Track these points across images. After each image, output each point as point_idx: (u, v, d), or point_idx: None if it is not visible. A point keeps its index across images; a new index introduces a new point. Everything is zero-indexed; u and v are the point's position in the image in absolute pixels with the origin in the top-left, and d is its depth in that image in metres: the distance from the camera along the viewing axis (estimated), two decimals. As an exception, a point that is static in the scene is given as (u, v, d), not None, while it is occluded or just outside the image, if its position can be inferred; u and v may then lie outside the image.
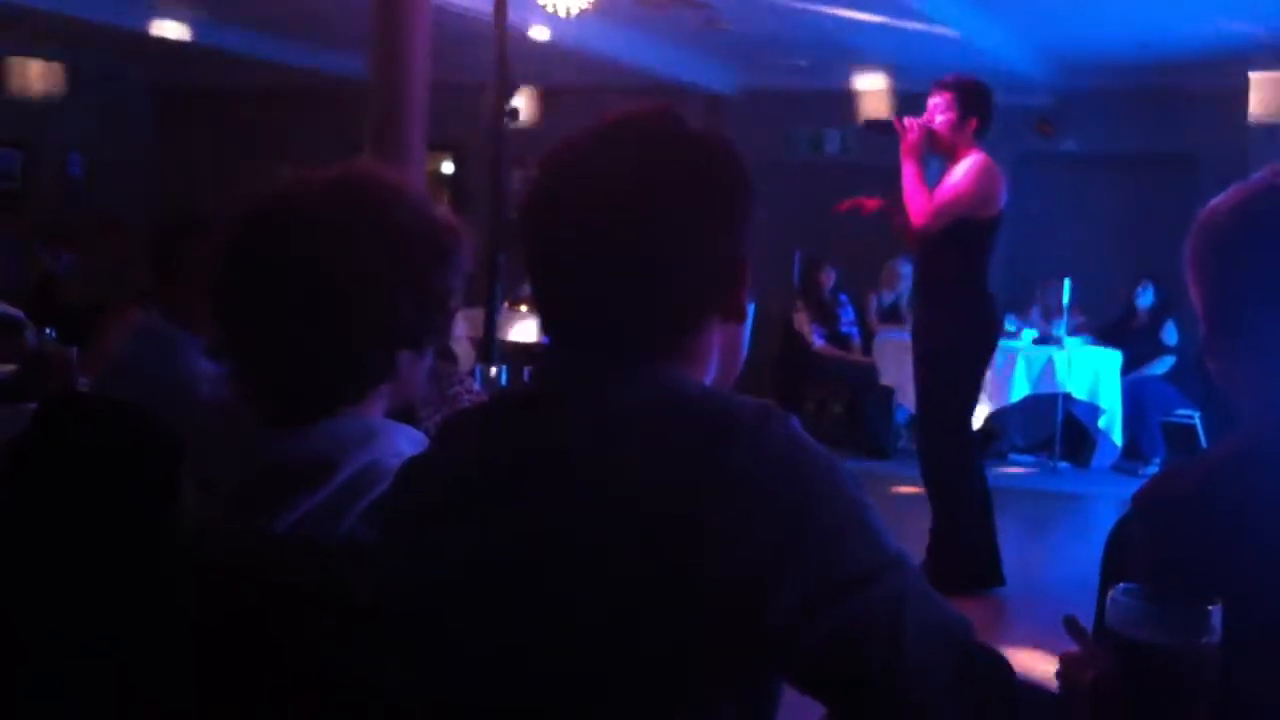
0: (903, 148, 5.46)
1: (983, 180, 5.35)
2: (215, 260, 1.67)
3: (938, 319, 5.55)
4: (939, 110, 5.42)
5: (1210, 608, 1.23)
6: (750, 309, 1.38)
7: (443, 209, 1.69)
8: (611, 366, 1.29)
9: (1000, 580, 5.56)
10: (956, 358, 5.49)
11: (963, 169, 5.37)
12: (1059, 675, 1.33)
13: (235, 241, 1.66)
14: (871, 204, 5.68)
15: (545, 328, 1.36)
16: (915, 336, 5.78)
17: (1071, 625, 1.33)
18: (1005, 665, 1.26)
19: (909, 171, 5.43)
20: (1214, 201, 1.65)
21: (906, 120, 5.47)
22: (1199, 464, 1.67)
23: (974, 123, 5.39)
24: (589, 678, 1.21)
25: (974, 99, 5.42)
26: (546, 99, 8.02)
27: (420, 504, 1.34)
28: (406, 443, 1.56)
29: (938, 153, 5.52)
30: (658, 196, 1.30)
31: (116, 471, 2.16)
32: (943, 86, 5.46)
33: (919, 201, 5.39)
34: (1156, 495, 1.56)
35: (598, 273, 1.30)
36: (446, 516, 1.30)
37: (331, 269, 1.56)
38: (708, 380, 1.35)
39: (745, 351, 1.42)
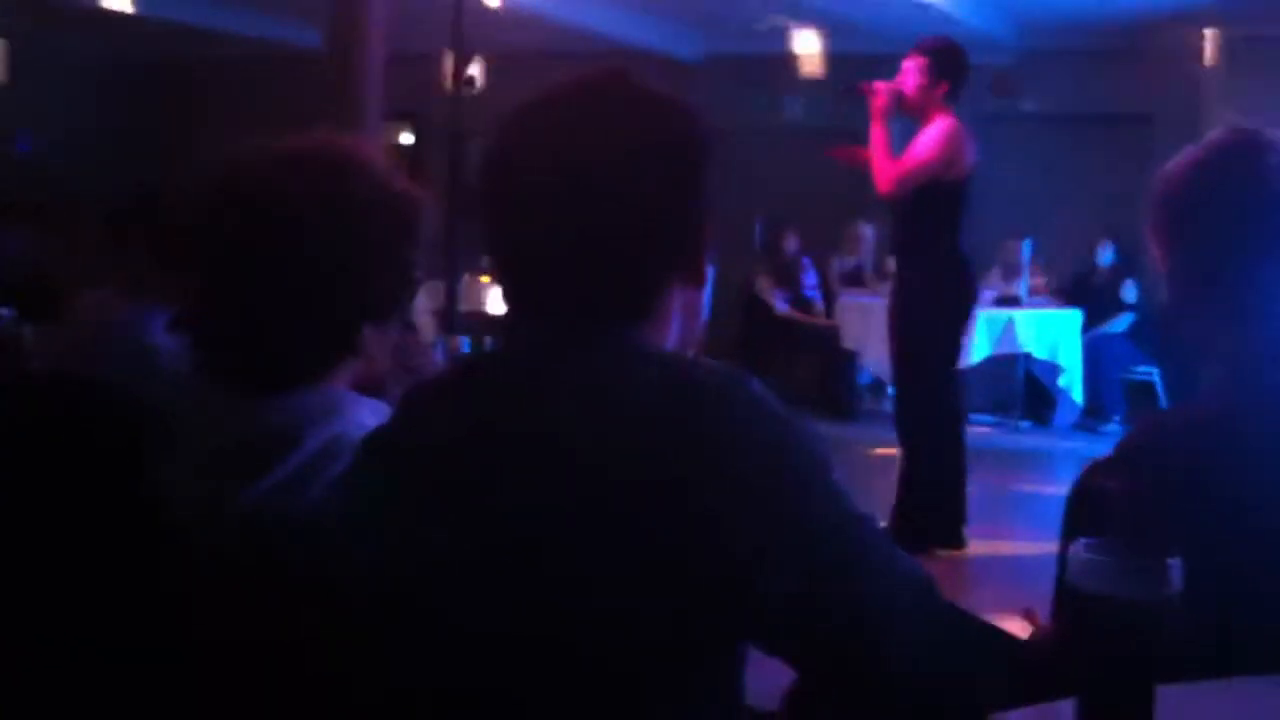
0: (871, 111, 5.47)
1: (949, 144, 5.34)
2: (176, 233, 1.66)
3: (913, 281, 5.57)
4: (911, 74, 5.41)
5: (1170, 561, 1.24)
6: (710, 272, 1.38)
7: (404, 180, 1.68)
8: (575, 334, 1.29)
9: (961, 543, 5.59)
10: (933, 318, 5.48)
11: (930, 134, 5.37)
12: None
13: (197, 213, 1.65)
14: (862, 155, 5.65)
15: (506, 297, 1.35)
16: (891, 297, 5.80)
17: (1029, 616, 1.34)
18: (971, 619, 1.28)
19: (876, 136, 5.43)
20: (1170, 164, 1.66)
21: (876, 84, 5.48)
22: (1169, 419, 1.68)
23: (944, 86, 5.37)
24: (559, 647, 1.21)
25: (947, 63, 5.41)
26: (503, 66, 7.97)
27: (386, 479, 1.34)
28: (370, 415, 1.55)
29: (907, 115, 5.51)
30: (616, 161, 1.29)
31: (77, 448, 2.14)
32: (918, 50, 5.45)
33: (884, 167, 5.40)
34: (1129, 450, 1.57)
35: (557, 240, 1.29)
36: (415, 492, 1.30)
37: (293, 240, 1.56)
38: (669, 344, 1.35)
39: (705, 315, 1.42)
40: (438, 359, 2.37)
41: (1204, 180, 1.63)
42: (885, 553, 1.23)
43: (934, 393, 5.54)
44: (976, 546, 5.63)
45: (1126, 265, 9.20)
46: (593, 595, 1.19)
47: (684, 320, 1.37)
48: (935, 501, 5.56)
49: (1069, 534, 1.53)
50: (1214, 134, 1.66)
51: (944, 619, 1.26)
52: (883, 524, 5.51)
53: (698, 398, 1.21)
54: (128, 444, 1.69)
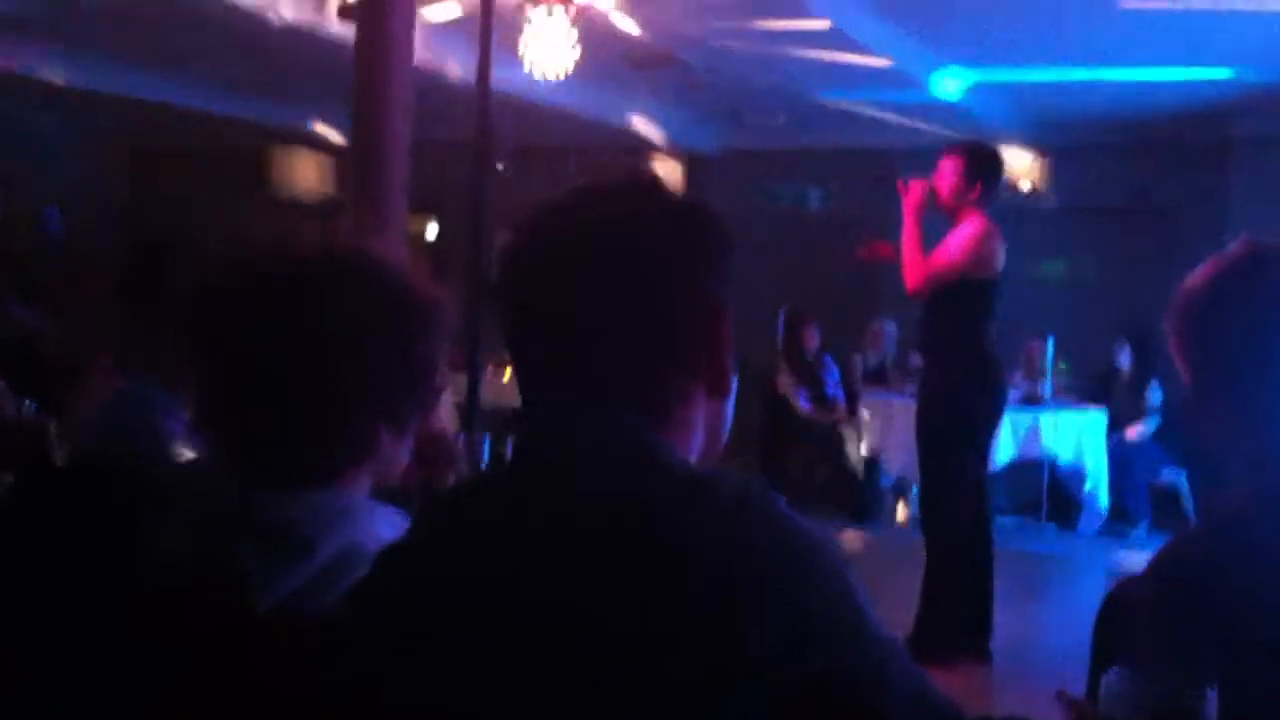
0: (904, 208, 5.49)
1: (980, 245, 5.36)
2: (193, 323, 1.65)
3: (940, 380, 5.54)
4: (946, 174, 5.44)
5: (1208, 691, 1.20)
6: (733, 382, 1.36)
7: (426, 278, 1.66)
8: (593, 443, 1.26)
9: (986, 655, 5.48)
10: (960, 419, 5.46)
11: (961, 234, 5.40)
12: None
13: (214, 306, 1.63)
14: (888, 251, 5.66)
15: (522, 391, 1.33)
16: (918, 396, 5.77)
17: (1063, 698, 1.30)
18: None
19: (909, 233, 5.46)
20: (1191, 277, 1.68)
21: (911, 182, 5.51)
22: (1200, 535, 1.66)
23: (979, 188, 5.41)
24: None
25: (982, 165, 5.46)
26: (525, 157, 8.04)
27: (401, 593, 1.30)
28: (387, 527, 1.52)
29: (941, 212, 5.53)
30: (637, 260, 1.28)
31: (93, 543, 2.12)
32: (954, 151, 5.50)
33: (915, 265, 5.40)
34: (1158, 572, 1.54)
35: (576, 339, 1.28)
36: (428, 609, 1.27)
37: (313, 338, 1.54)
38: (692, 454, 1.32)
39: (729, 426, 1.39)
40: (459, 457, 2.33)
41: (1223, 294, 1.66)
42: (906, 674, 1.19)
43: (961, 496, 5.48)
44: (1000, 655, 5.52)
45: (1149, 366, 9.15)
46: (602, 704, 1.15)
47: (708, 431, 1.35)
48: (960, 611, 5.46)
49: (1100, 655, 1.50)
50: (1233, 247, 1.68)
51: None
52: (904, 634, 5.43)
53: (715, 510, 1.18)
54: (137, 537, 1.67)
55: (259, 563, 1.47)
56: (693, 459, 1.32)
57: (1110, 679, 1.25)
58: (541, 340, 1.31)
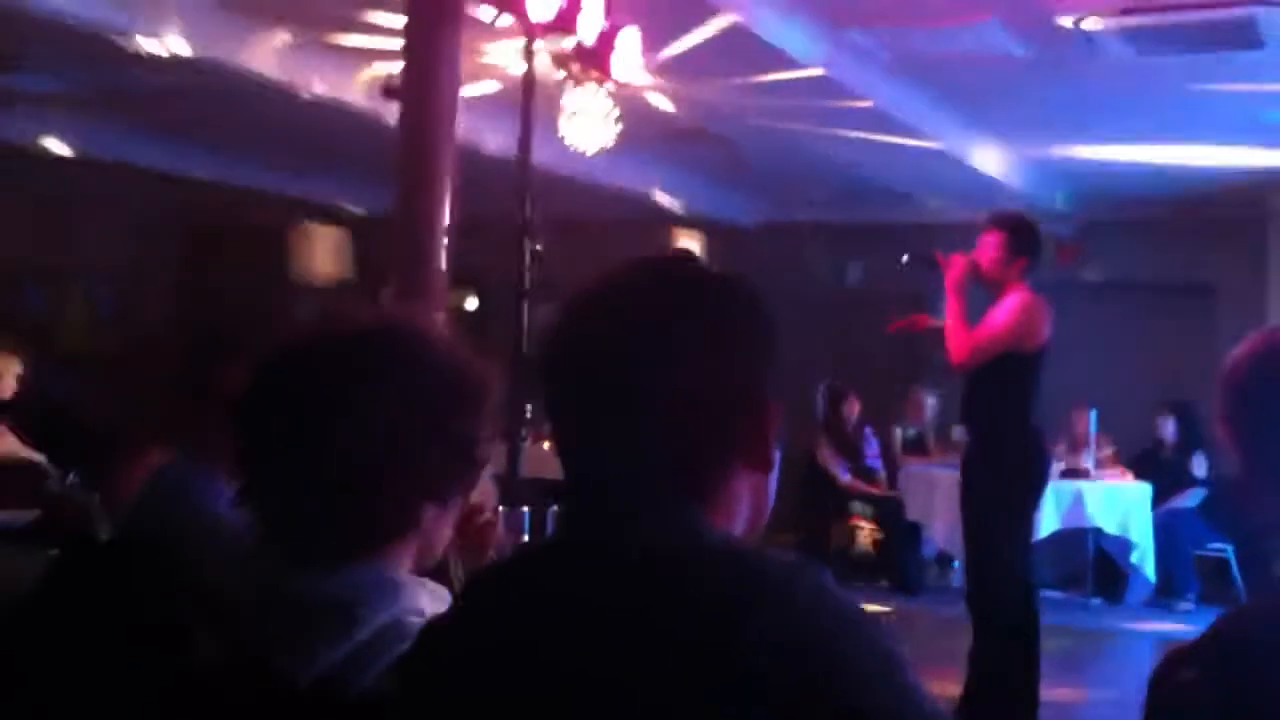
0: (947, 283, 5.49)
1: (1024, 318, 5.36)
2: (238, 398, 1.66)
3: (984, 452, 5.52)
4: (989, 248, 5.45)
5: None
6: (777, 457, 1.35)
7: (472, 354, 1.67)
8: (634, 516, 1.26)
9: None
10: (1004, 491, 5.42)
11: (1005, 307, 5.40)
12: None
13: (259, 382, 1.64)
14: (923, 321, 5.67)
15: (564, 467, 1.33)
16: (961, 469, 5.75)
17: None
18: None
19: (952, 307, 5.46)
20: (1236, 352, 1.68)
21: (953, 256, 5.51)
22: (1253, 611, 1.64)
23: (1022, 261, 5.42)
24: None
25: (1024, 239, 5.47)
26: (566, 230, 8.08)
27: (445, 669, 1.30)
28: (430, 602, 1.52)
29: (983, 286, 5.53)
30: (680, 340, 1.28)
31: (134, 619, 2.13)
32: (994, 224, 5.51)
33: (960, 338, 5.40)
34: (1213, 644, 1.52)
35: (619, 418, 1.28)
36: (472, 685, 1.26)
37: (357, 416, 1.54)
38: (735, 529, 1.31)
39: (773, 499, 1.39)
40: (500, 532, 2.32)
41: (1269, 367, 1.64)
42: None
43: (1007, 568, 5.42)
44: (1048, 730, 5.44)
45: (1193, 438, 9.06)
46: None
47: (751, 506, 1.34)
48: (1007, 684, 5.39)
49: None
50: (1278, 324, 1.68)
51: None
52: (951, 706, 5.36)
53: (761, 588, 1.17)
54: (180, 618, 1.67)
55: (300, 639, 1.47)
56: (736, 532, 1.31)
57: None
58: (584, 418, 1.31)
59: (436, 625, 1.36)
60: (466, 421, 1.60)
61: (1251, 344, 1.68)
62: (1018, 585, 5.45)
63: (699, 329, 1.29)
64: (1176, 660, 1.54)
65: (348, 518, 1.55)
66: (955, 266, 5.47)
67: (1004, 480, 5.40)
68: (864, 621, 1.19)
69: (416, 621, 1.39)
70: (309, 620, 1.49)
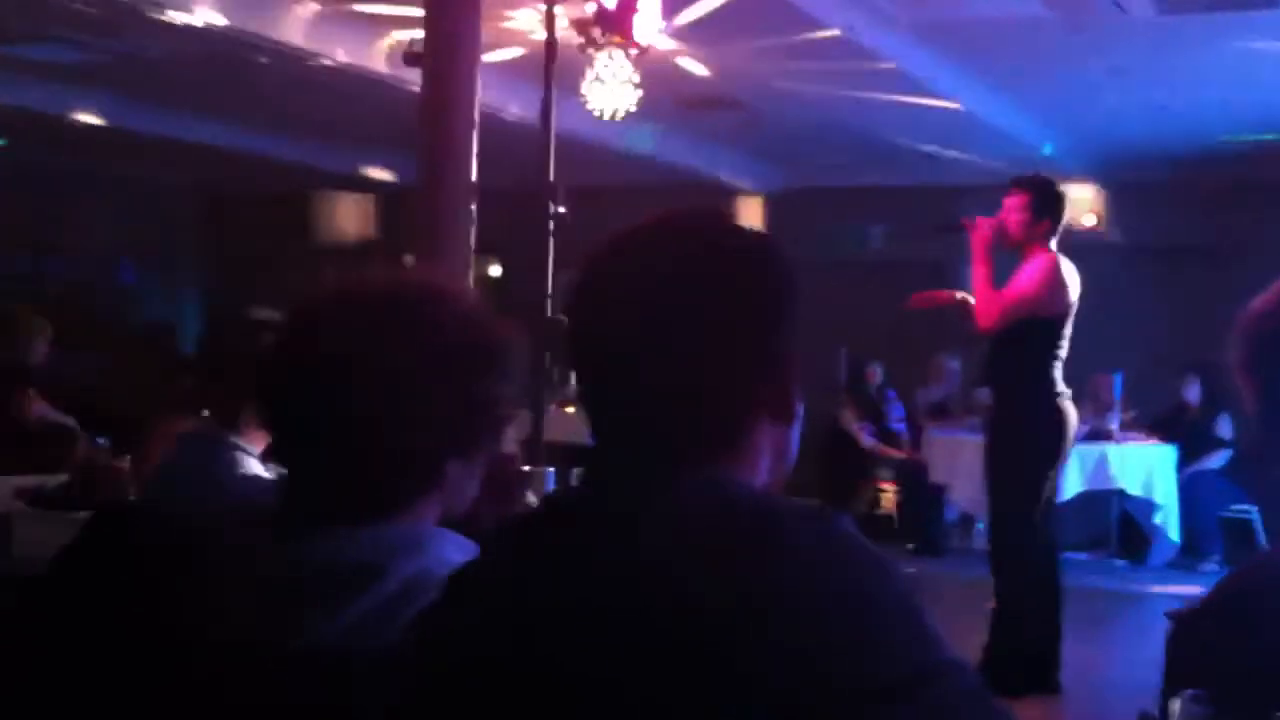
0: (973, 246, 5.48)
1: (1050, 280, 5.36)
2: (263, 363, 1.68)
3: (1009, 416, 5.52)
4: (1013, 209, 5.43)
5: (1276, 714, 1.19)
6: (799, 410, 1.37)
7: (495, 315, 1.69)
8: (658, 470, 1.27)
9: (1055, 688, 5.42)
10: (1029, 454, 5.43)
11: (1031, 269, 5.39)
12: None
13: (284, 345, 1.66)
14: (944, 297, 5.67)
15: (591, 429, 1.34)
16: (986, 432, 5.75)
17: None
18: None
19: (979, 271, 5.45)
20: (1256, 302, 1.63)
21: (978, 220, 5.50)
22: (1268, 564, 1.63)
23: (1046, 223, 5.40)
24: None
25: (1048, 200, 5.45)
26: (588, 198, 8.09)
27: (466, 619, 1.32)
28: (457, 552, 1.54)
29: (1008, 249, 5.51)
30: (701, 295, 1.29)
31: (158, 586, 2.15)
32: (1019, 186, 5.49)
33: (989, 301, 5.39)
34: (1228, 596, 1.52)
35: (642, 374, 1.29)
36: (498, 636, 1.28)
37: (380, 374, 1.56)
38: (758, 482, 1.33)
39: (795, 453, 1.40)
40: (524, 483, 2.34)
41: None
42: (977, 704, 1.18)
43: (1029, 531, 5.43)
44: (1069, 690, 5.46)
45: (1219, 400, 9.03)
46: None
47: (773, 458, 1.35)
48: (1029, 644, 5.41)
49: (1169, 682, 1.48)
50: None
51: None
52: (976, 658, 5.38)
53: (781, 534, 1.18)
54: (208, 582, 1.69)
55: (327, 598, 1.49)
56: (760, 484, 1.33)
57: (1181, 704, 1.24)
58: (607, 376, 1.32)
59: (459, 577, 1.37)
60: (487, 379, 1.62)
61: (1271, 293, 1.64)
62: (1040, 547, 5.47)
63: (718, 285, 1.30)
64: (1192, 616, 1.55)
65: (371, 476, 1.57)
66: (980, 230, 5.46)
67: (1028, 442, 5.41)
68: (887, 567, 1.20)
69: (443, 571, 1.41)
70: (335, 579, 1.50)
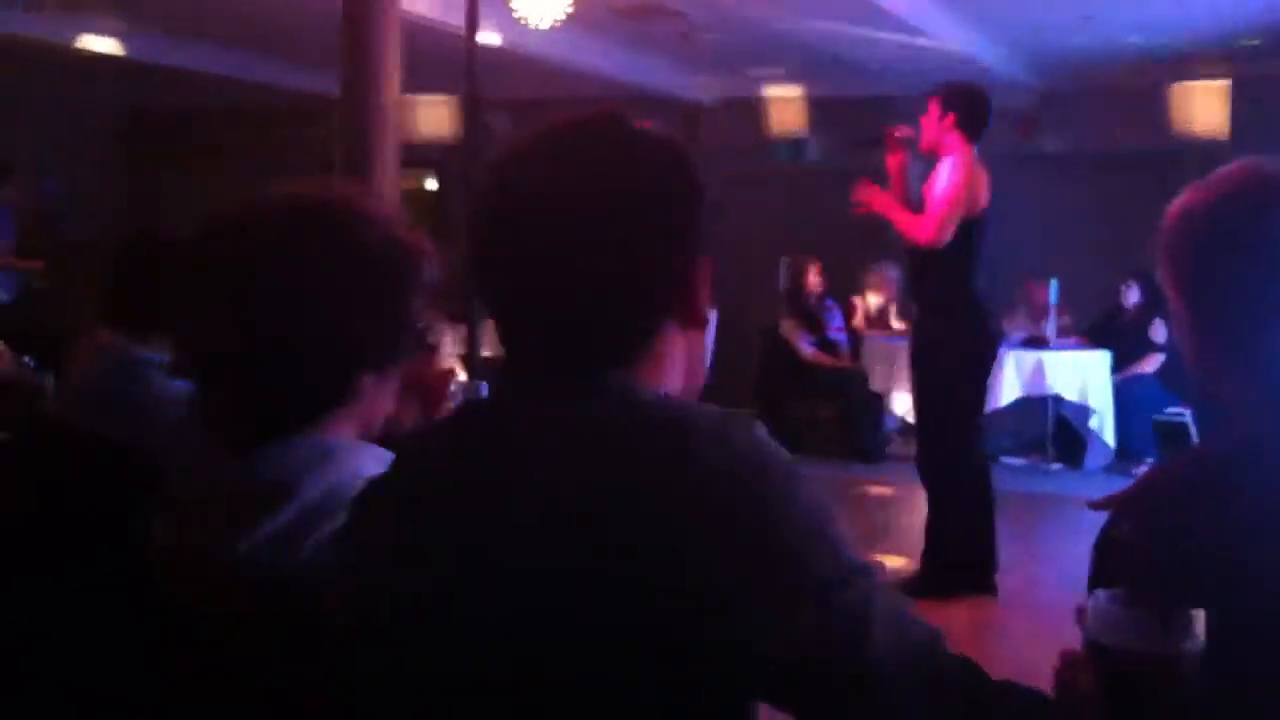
0: (888, 164, 5.49)
1: (967, 177, 5.28)
2: (172, 279, 1.65)
3: (930, 326, 5.51)
4: (929, 117, 5.39)
5: (1193, 612, 1.19)
6: (713, 315, 1.35)
7: (407, 227, 1.65)
8: (566, 379, 1.26)
9: (991, 589, 5.50)
10: (951, 364, 5.42)
11: (946, 171, 5.33)
12: (1056, 677, 1.29)
13: (190, 261, 1.63)
14: (880, 198, 5.53)
15: (500, 340, 1.32)
16: (910, 343, 5.75)
17: (1081, 616, 1.28)
18: (978, 674, 1.22)
19: (894, 189, 5.44)
20: (1180, 201, 1.60)
21: (897, 127, 5.48)
22: (1186, 462, 1.64)
23: (951, 116, 5.33)
24: (558, 709, 1.17)
25: (954, 96, 5.38)
26: (524, 111, 8.02)
27: (380, 531, 1.31)
28: (372, 463, 1.52)
29: (930, 157, 5.48)
30: (603, 203, 1.27)
31: (83, 499, 2.13)
32: (933, 91, 5.44)
33: (915, 218, 5.34)
34: (1143, 494, 1.53)
35: (544, 283, 1.27)
36: (408, 545, 1.27)
37: (285, 289, 1.53)
38: (669, 388, 1.31)
39: (710, 358, 1.38)
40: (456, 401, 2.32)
41: (1213, 219, 1.56)
42: (887, 605, 1.18)
43: (957, 438, 5.47)
44: (1006, 592, 5.54)
45: (1154, 305, 9.12)
46: (587, 644, 1.15)
47: (687, 363, 1.34)
48: (963, 548, 5.48)
49: (1092, 582, 1.49)
50: (1227, 169, 1.59)
51: (949, 675, 1.20)
52: (912, 569, 5.45)
53: (688, 440, 1.17)
54: (119, 495, 1.67)
55: (241, 517, 1.47)
56: (673, 390, 1.31)
57: (1097, 602, 1.24)
58: (514, 286, 1.30)
59: (372, 485, 1.36)
60: (397, 292, 1.59)
61: (1196, 193, 1.58)
62: (969, 453, 5.50)
63: (623, 192, 1.28)
64: (1113, 517, 1.55)
65: (283, 397, 1.55)
66: (896, 148, 5.44)
67: (950, 354, 5.39)
68: (795, 474, 1.20)
69: (356, 483, 1.39)
70: (248, 496, 1.49)
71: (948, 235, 5.27)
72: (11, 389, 3.84)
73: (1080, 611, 1.27)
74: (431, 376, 2.03)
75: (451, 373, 2.21)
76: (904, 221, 5.36)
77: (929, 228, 5.28)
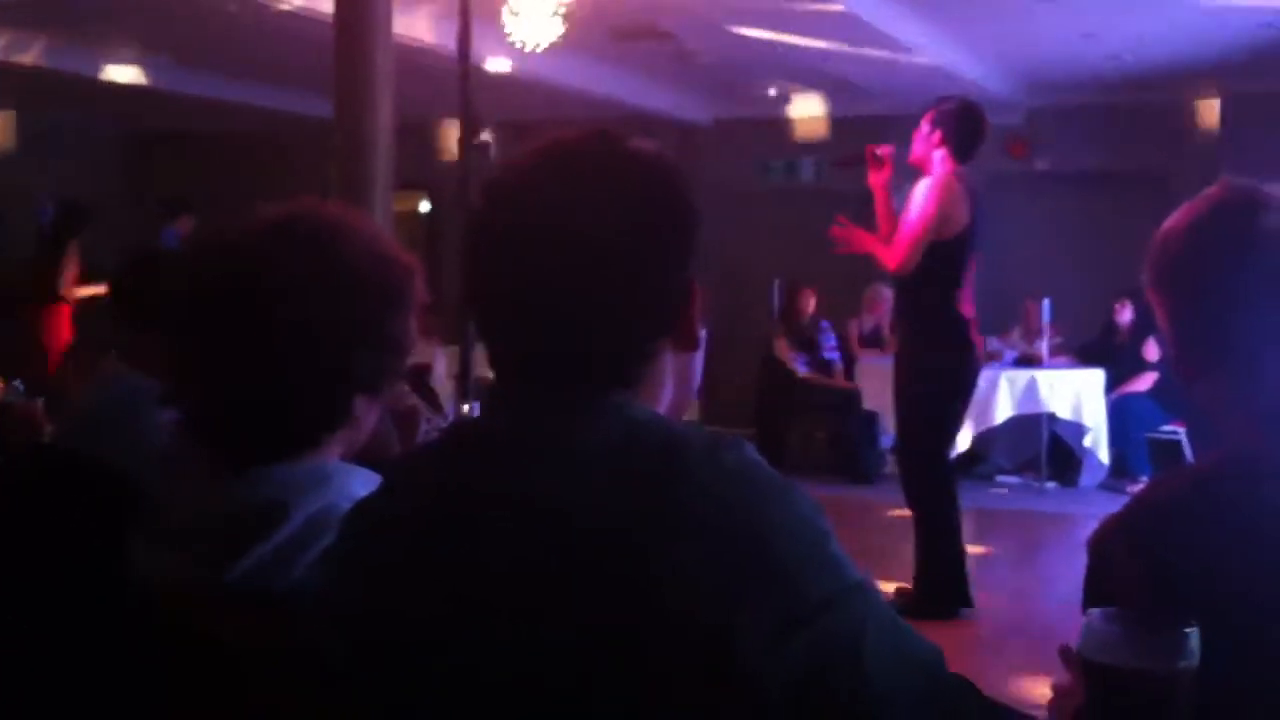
0: (871, 182, 5.47)
1: (937, 200, 5.24)
2: (168, 305, 1.65)
3: (911, 349, 5.51)
4: (919, 135, 5.40)
5: (1186, 630, 1.19)
6: (703, 336, 1.35)
7: (397, 247, 1.65)
8: (560, 400, 1.26)
9: (967, 602, 5.49)
10: (930, 383, 5.42)
11: (918, 193, 5.31)
12: (1049, 704, 1.29)
13: (186, 286, 1.63)
14: (863, 240, 5.52)
15: (492, 362, 1.32)
16: (895, 363, 5.75)
17: (1065, 654, 1.29)
18: (976, 694, 1.22)
19: (879, 211, 5.44)
20: (1168, 222, 1.63)
21: (881, 147, 5.47)
22: (1178, 480, 1.64)
23: (938, 134, 5.33)
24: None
25: (944, 116, 5.37)
26: (517, 133, 8.03)
27: (371, 551, 1.30)
28: (361, 486, 1.52)
29: (914, 168, 5.48)
30: (598, 224, 1.26)
31: (75, 526, 2.12)
32: (927, 111, 5.45)
33: (883, 250, 5.33)
34: (1137, 512, 1.53)
35: (538, 304, 1.26)
36: (398, 564, 1.26)
37: (278, 312, 1.52)
38: (661, 409, 1.31)
39: (699, 379, 1.39)
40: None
41: (1198, 241, 1.59)
42: (885, 623, 1.18)
43: (929, 459, 5.46)
44: (1000, 610, 5.53)
45: (1147, 324, 9.13)
46: (584, 678, 1.14)
47: (677, 384, 1.34)
48: (948, 565, 5.46)
49: (1087, 600, 1.49)
50: (1210, 191, 1.63)
51: (948, 695, 1.20)
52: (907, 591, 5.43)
53: (683, 461, 1.17)
54: (110, 521, 1.67)
55: (234, 541, 1.47)
56: (663, 411, 1.31)
57: (1091, 620, 1.24)
58: (508, 307, 1.30)
59: (362, 505, 1.36)
60: (390, 314, 1.59)
61: (1181, 214, 1.62)
62: (939, 477, 5.48)
63: (617, 210, 1.27)
64: (1106, 532, 1.56)
65: (276, 417, 1.55)
66: (878, 168, 5.41)
67: (928, 376, 5.38)
68: (788, 491, 1.19)
69: (347, 505, 1.39)
70: (240, 521, 1.48)
71: (914, 262, 5.24)
72: (3, 415, 3.84)
73: (1064, 651, 1.28)
74: (397, 397, 2.02)
75: (416, 410, 2.19)
76: (877, 250, 5.37)
77: (896, 255, 5.28)
